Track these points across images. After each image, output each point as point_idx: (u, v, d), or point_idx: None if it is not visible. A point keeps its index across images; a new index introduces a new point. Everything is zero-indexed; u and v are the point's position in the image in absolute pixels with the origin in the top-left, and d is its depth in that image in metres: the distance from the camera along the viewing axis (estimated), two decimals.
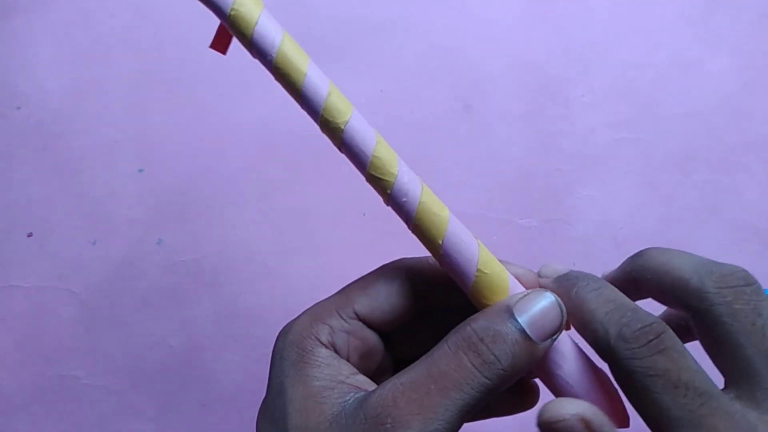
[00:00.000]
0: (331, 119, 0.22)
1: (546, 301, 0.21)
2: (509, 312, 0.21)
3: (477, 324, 0.21)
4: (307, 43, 0.44)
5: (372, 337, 0.24)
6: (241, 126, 0.43)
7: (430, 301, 0.25)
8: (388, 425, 0.20)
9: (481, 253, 0.22)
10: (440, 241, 0.22)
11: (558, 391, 0.22)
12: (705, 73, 0.44)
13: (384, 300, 0.24)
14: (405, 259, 0.25)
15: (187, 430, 0.41)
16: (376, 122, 0.46)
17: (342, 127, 0.22)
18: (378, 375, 0.26)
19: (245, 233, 0.42)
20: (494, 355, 0.20)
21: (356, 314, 0.24)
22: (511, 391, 0.26)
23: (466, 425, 0.21)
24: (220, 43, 0.26)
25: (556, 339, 0.21)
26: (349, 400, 0.21)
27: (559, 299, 0.21)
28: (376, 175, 0.22)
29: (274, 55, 0.22)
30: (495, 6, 0.44)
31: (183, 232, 0.42)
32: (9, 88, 0.43)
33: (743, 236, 0.43)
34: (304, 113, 0.23)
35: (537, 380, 0.25)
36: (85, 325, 0.42)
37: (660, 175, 0.44)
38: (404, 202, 0.22)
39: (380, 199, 0.24)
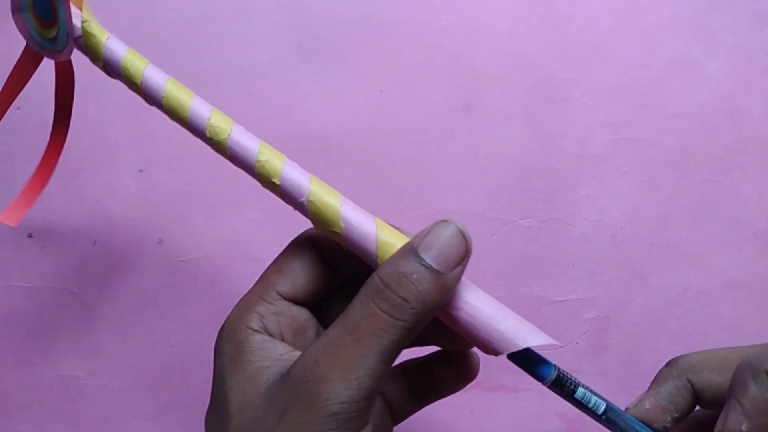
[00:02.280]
0: (214, 136, 0.26)
1: (447, 231, 0.22)
2: (413, 251, 0.21)
3: (383, 271, 0.21)
4: (307, 43, 0.44)
5: (302, 313, 0.25)
6: (241, 126, 0.43)
7: (343, 265, 0.26)
8: (311, 383, 0.20)
9: (379, 233, 0.23)
10: (338, 231, 0.23)
11: (475, 317, 0.22)
12: (703, 74, 0.45)
13: (301, 274, 0.25)
14: (311, 229, 0.26)
15: (187, 430, 0.41)
16: (376, 122, 0.46)
17: (225, 140, 0.26)
18: None
19: (245, 233, 0.42)
20: (401, 297, 0.21)
21: (280, 295, 0.24)
22: (450, 366, 0.27)
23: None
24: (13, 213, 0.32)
25: (465, 265, 0.22)
26: (282, 372, 0.22)
27: (461, 226, 0.22)
28: (264, 174, 0.25)
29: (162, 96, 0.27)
30: (495, 6, 0.44)
31: (183, 232, 0.42)
32: None
33: (742, 236, 0.43)
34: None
35: (475, 350, 0.25)
36: (85, 325, 0.42)
37: (659, 175, 0.44)
38: (301, 202, 0.25)
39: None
